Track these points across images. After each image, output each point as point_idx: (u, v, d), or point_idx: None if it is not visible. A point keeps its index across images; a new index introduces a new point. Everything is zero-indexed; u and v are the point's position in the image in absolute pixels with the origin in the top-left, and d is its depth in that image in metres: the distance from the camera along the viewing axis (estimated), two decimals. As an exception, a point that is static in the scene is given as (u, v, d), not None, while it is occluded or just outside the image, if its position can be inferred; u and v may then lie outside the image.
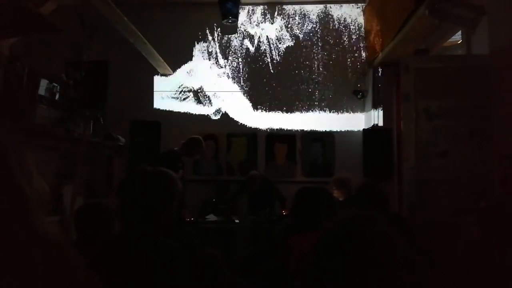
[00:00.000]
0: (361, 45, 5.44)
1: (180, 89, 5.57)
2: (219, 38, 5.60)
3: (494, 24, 2.64)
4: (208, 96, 5.56)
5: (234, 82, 5.56)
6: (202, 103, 5.55)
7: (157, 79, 5.58)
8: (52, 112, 3.58)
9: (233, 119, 5.50)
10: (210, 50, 5.60)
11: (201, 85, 5.56)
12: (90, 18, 4.15)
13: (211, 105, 5.55)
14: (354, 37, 5.49)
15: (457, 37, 3.71)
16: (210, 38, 5.60)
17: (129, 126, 5.01)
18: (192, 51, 5.57)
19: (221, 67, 5.58)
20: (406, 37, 3.67)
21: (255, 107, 5.50)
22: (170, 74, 5.54)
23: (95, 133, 4.32)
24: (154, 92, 5.56)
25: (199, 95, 5.56)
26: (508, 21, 2.47)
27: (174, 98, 5.55)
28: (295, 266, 1.79)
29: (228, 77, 5.57)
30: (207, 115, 5.52)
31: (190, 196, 4.54)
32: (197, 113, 5.53)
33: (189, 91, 5.57)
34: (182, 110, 5.53)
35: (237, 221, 4.45)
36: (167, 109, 5.53)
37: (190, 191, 4.57)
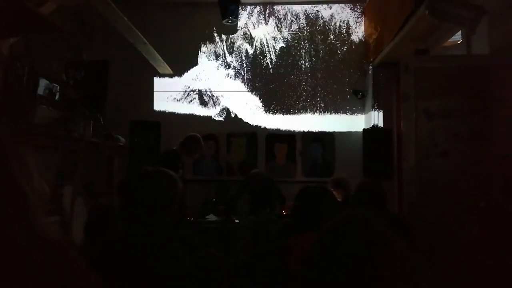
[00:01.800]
0: (360, 44, 5.44)
1: (180, 90, 5.57)
2: (219, 38, 5.60)
3: (494, 24, 2.64)
4: (209, 96, 5.56)
5: (235, 83, 5.56)
6: (203, 103, 5.55)
7: (158, 79, 5.58)
8: (52, 112, 3.58)
9: (233, 119, 5.50)
10: (211, 50, 5.60)
11: (202, 86, 5.56)
12: (90, 18, 4.16)
13: (212, 105, 5.55)
14: (352, 37, 5.49)
15: (457, 37, 3.71)
16: (208, 38, 5.59)
17: (129, 126, 5.01)
18: (192, 50, 5.57)
19: (225, 68, 5.58)
20: (406, 37, 3.67)
21: (255, 107, 5.50)
22: (170, 74, 5.53)
23: (95, 133, 4.32)
24: (155, 92, 5.57)
25: (200, 96, 5.56)
26: (508, 21, 2.47)
27: (174, 98, 5.55)
28: (295, 266, 1.78)
29: (228, 77, 5.57)
30: (207, 115, 5.52)
31: (190, 196, 4.54)
32: (197, 113, 5.53)
33: (191, 91, 5.56)
34: (182, 110, 5.53)
35: (237, 221, 4.45)
36: (167, 109, 5.53)
37: (190, 191, 4.57)
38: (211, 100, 5.56)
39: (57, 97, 3.70)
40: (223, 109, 5.53)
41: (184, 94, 5.56)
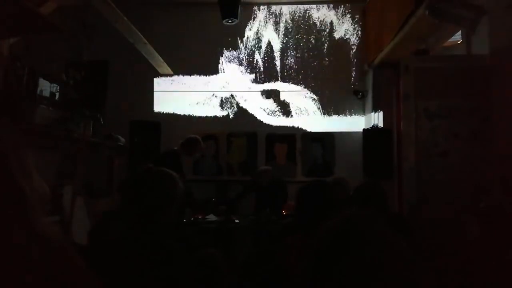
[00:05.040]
0: (360, 44, 5.44)
1: (180, 90, 5.57)
2: (219, 38, 5.60)
3: (494, 24, 2.64)
4: (210, 96, 5.56)
5: (235, 83, 5.56)
6: (203, 103, 5.55)
7: (158, 79, 5.58)
8: (52, 112, 3.58)
9: (233, 119, 5.50)
10: (211, 50, 5.60)
11: (202, 86, 5.56)
12: (90, 18, 4.16)
13: (212, 105, 5.55)
14: (352, 37, 5.49)
15: (457, 37, 3.71)
16: (208, 38, 5.59)
17: (129, 126, 5.01)
18: (193, 50, 5.56)
19: (225, 68, 5.58)
20: (406, 37, 3.67)
21: (255, 107, 5.50)
22: (170, 74, 5.53)
23: (95, 133, 4.31)
24: (155, 92, 5.57)
25: (200, 96, 5.56)
26: (508, 21, 2.47)
27: (175, 98, 5.55)
28: (294, 266, 1.78)
29: (228, 77, 5.57)
30: (208, 115, 5.53)
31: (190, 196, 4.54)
32: (197, 113, 5.53)
33: (191, 91, 5.56)
34: (182, 110, 5.53)
35: (237, 221, 4.45)
36: (167, 109, 5.53)
37: (190, 191, 4.56)
38: (211, 100, 5.55)
39: (57, 97, 3.69)
40: (223, 109, 5.53)
41: (184, 94, 5.56)
